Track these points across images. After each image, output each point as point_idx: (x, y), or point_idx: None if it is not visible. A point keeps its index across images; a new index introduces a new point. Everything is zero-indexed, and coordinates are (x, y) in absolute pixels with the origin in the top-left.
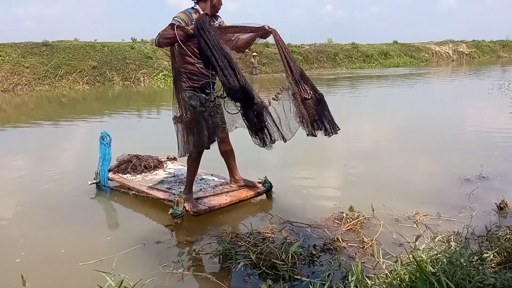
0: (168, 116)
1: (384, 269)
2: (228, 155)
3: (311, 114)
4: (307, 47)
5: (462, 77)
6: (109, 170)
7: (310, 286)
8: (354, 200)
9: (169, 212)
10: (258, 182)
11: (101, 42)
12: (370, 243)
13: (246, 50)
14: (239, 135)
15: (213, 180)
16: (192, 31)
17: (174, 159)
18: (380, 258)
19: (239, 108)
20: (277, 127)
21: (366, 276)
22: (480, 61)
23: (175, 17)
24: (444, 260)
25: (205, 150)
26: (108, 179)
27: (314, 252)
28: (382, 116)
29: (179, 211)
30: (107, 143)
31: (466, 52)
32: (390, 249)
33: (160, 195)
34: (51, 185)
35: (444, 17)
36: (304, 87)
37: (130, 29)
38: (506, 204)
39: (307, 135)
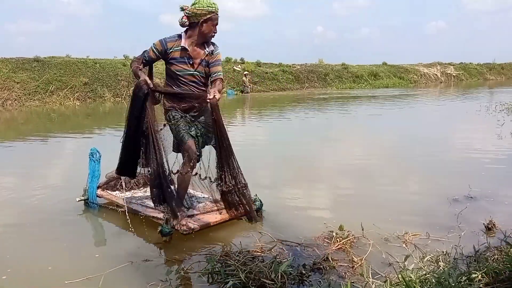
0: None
1: None
2: None
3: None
4: (298, 66)
5: (450, 99)
6: (98, 187)
7: None
8: (344, 219)
9: (158, 230)
10: None
11: (93, 59)
12: (360, 263)
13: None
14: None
15: (203, 197)
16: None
17: None
18: (369, 278)
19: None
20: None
21: None
22: (468, 83)
23: (153, 43)
24: (433, 280)
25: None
26: (97, 196)
27: (303, 272)
28: (372, 137)
29: (168, 229)
30: (97, 160)
31: (454, 74)
32: (379, 269)
33: (149, 212)
34: (39, 202)
35: (433, 39)
36: (226, 177)
37: (122, 46)
38: (494, 224)
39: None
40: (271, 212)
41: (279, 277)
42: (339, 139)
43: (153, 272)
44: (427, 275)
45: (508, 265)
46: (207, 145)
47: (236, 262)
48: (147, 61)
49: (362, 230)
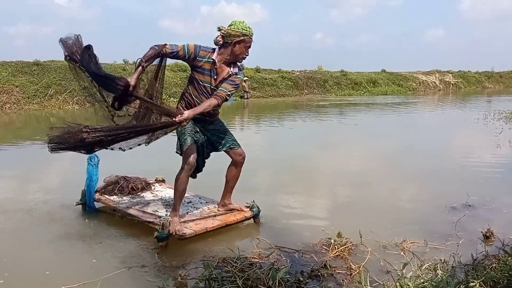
0: (158, 138)
1: None
2: (232, 177)
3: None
4: (297, 73)
5: (449, 107)
6: (96, 191)
7: None
8: (342, 226)
9: (154, 236)
10: (246, 206)
11: None
12: (358, 270)
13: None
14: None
15: (200, 203)
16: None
17: (163, 181)
18: (367, 285)
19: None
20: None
21: None
22: (466, 91)
23: (186, 43)
24: None
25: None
26: (95, 200)
27: (301, 279)
28: (370, 144)
29: (164, 235)
30: (95, 164)
31: (453, 82)
32: (377, 276)
33: (146, 217)
34: (36, 205)
35: (432, 46)
36: None
37: (122, 50)
38: (492, 233)
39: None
40: (269, 219)
41: (277, 284)
42: (337, 146)
43: (150, 277)
44: (425, 283)
45: (506, 274)
46: (218, 151)
47: (234, 269)
48: (171, 52)
49: (360, 237)
